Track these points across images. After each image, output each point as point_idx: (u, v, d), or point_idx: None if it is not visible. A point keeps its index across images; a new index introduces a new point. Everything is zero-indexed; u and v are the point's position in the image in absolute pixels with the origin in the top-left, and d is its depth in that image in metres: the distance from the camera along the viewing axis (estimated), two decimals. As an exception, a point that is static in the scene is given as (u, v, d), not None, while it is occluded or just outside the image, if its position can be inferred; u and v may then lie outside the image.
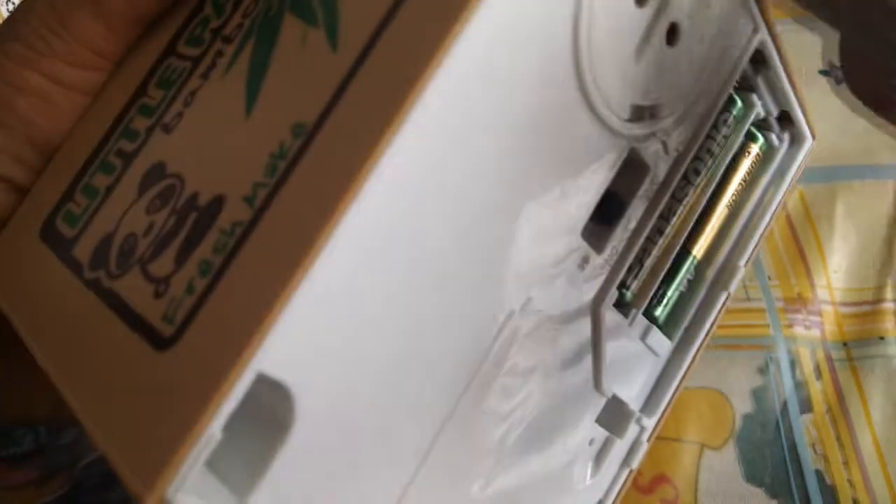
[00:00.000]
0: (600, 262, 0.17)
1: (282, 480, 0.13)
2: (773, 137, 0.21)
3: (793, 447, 0.31)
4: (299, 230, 0.13)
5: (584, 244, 0.17)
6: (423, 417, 0.15)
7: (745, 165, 0.20)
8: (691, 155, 0.18)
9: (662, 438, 0.31)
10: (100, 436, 0.14)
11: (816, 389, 0.32)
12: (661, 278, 0.19)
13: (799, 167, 0.22)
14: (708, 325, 0.21)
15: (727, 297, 0.21)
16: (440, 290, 0.14)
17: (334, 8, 0.15)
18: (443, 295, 0.14)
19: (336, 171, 0.13)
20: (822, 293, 0.34)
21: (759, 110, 0.20)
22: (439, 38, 0.13)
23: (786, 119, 0.21)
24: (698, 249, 0.20)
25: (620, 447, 0.20)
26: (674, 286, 0.20)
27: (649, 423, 0.20)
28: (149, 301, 0.14)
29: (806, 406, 0.31)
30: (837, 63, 0.42)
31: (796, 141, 0.22)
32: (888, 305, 0.33)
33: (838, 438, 0.30)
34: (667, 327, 0.20)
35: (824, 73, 0.42)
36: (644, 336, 0.19)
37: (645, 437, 0.20)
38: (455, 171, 0.14)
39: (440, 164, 0.14)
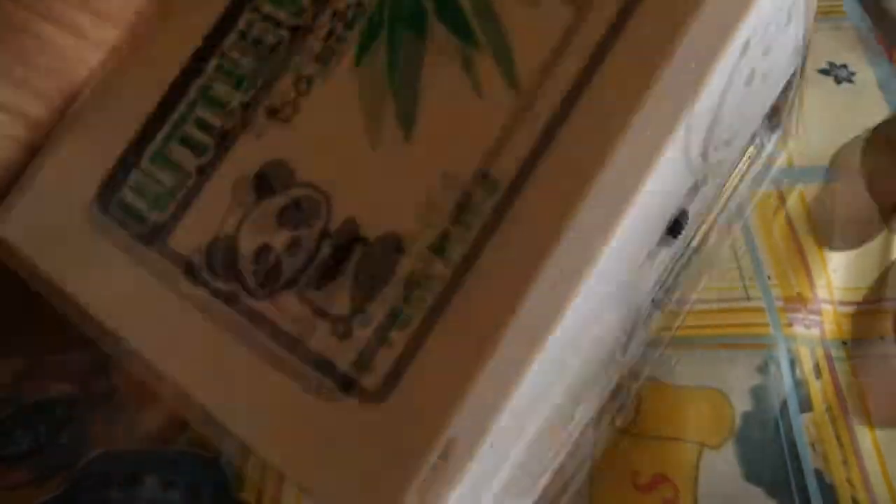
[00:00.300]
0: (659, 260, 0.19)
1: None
2: (764, 139, 0.22)
3: (792, 446, 0.31)
4: (497, 291, 0.13)
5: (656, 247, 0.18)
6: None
7: (744, 166, 0.21)
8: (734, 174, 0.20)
9: (662, 438, 0.31)
10: (294, 473, 0.14)
11: (816, 388, 0.32)
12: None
13: (777, 166, 0.24)
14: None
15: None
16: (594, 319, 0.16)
17: (500, 32, 0.14)
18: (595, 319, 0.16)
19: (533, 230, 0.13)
20: (821, 292, 0.34)
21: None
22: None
23: (776, 123, 0.22)
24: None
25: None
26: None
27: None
28: (329, 341, 0.14)
29: (806, 405, 0.31)
30: (839, 62, 0.42)
31: (781, 142, 0.23)
32: (888, 304, 0.33)
33: (838, 437, 0.31)
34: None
35: (824, 72, 0.42)
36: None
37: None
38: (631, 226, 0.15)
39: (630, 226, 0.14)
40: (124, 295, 0.15)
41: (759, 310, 0.34)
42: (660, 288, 0.21)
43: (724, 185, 0.21)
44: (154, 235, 0.15)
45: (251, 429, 0.14)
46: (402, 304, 0.13)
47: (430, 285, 0.13)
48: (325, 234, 0.14)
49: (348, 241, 0.14)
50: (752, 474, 0.30)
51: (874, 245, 0.35)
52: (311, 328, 0.14)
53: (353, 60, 0.15)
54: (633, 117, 0.13)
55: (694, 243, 0.21)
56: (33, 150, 0.18)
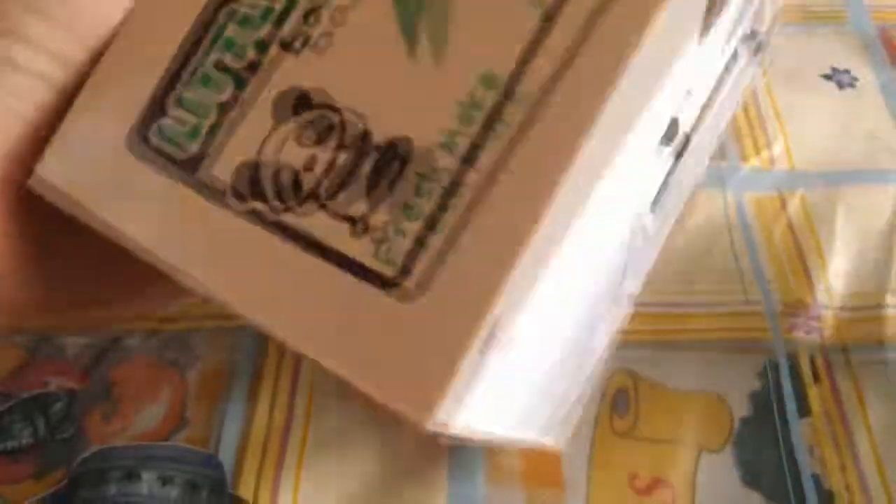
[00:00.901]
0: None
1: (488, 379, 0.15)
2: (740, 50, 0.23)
3: (790, 451, 0.31)
4: (529, 185, 0.14)
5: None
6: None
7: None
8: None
9: (660, 441, 0.31)
10: (350, 372, 0.15)
11: (815, 394, 0.32)
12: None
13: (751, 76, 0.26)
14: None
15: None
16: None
17: None
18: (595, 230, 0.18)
19: (559, 134, 0.14)
20: (822, 298, 0.34)
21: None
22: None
23: (752, 35, 0.23)
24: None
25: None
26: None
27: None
28: (347, 239, 0.15)
29: (804, 410, 0.31)
30: (841, 68, 0.42)
31: (755, 54, 0.25)
32: (888, 311, 0.33)
33: (836, 443, 0.30)
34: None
35: (826, 77, 0.42)
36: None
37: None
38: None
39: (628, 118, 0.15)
40: (163, 219, 0.16)
41: (759, 314, 0.34)
42: (656, 195, 0.22)
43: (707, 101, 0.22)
44: (188, 164, 0.16)
45: (295, 325, 0.15)
46: (413, 197, 0.14)
47: (439, 177, 0.14)
48: (340, 146, 0.15)
49: (363, 151, 0.15)
50: (750, 479, 0.30)
51: (875, 250, 0.35)
52: (332, 231, 0.15)
53: None
54: (645, 37, 0.14)
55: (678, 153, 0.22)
56: (70, 95, 0.17)
